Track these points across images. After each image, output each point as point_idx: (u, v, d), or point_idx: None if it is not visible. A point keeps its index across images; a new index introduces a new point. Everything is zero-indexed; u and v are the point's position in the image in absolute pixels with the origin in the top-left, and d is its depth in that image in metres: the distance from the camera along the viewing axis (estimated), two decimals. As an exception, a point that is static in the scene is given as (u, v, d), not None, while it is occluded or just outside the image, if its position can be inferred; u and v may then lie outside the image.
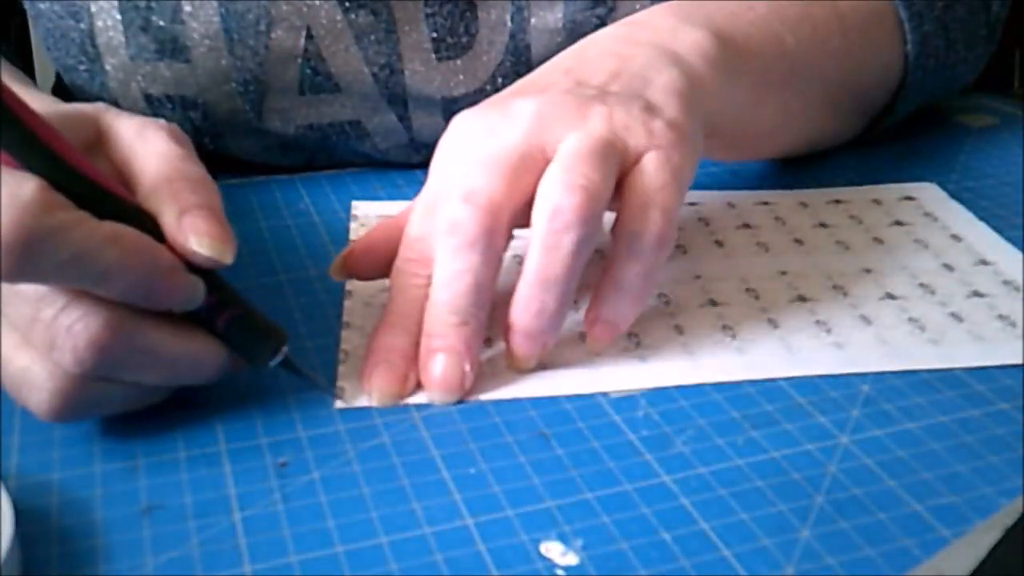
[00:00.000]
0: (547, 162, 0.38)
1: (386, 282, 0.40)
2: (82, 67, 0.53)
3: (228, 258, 0.34)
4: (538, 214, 0.37)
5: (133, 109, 0.52)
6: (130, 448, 0.35)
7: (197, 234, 0.34)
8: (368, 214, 0.51)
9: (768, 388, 0.39)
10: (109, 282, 0.32)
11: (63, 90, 0.57)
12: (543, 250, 0.37)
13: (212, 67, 0.51)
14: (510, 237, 0.39)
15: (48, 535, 0.32)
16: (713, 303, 0.44)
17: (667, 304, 0.44)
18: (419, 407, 0.37)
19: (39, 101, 0.36)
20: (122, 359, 0.34)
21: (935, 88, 0.59)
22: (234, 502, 0.33)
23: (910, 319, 0.42)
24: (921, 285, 0.45)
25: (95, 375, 0.33)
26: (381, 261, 0.41)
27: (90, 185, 0.33)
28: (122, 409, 0.36)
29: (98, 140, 0.37)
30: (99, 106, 0.38)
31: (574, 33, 0.52)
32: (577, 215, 0.36)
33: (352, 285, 0.44)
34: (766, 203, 0.52)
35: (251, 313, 0.37)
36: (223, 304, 0.35)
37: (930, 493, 0.33)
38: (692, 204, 0.51)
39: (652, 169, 0.39)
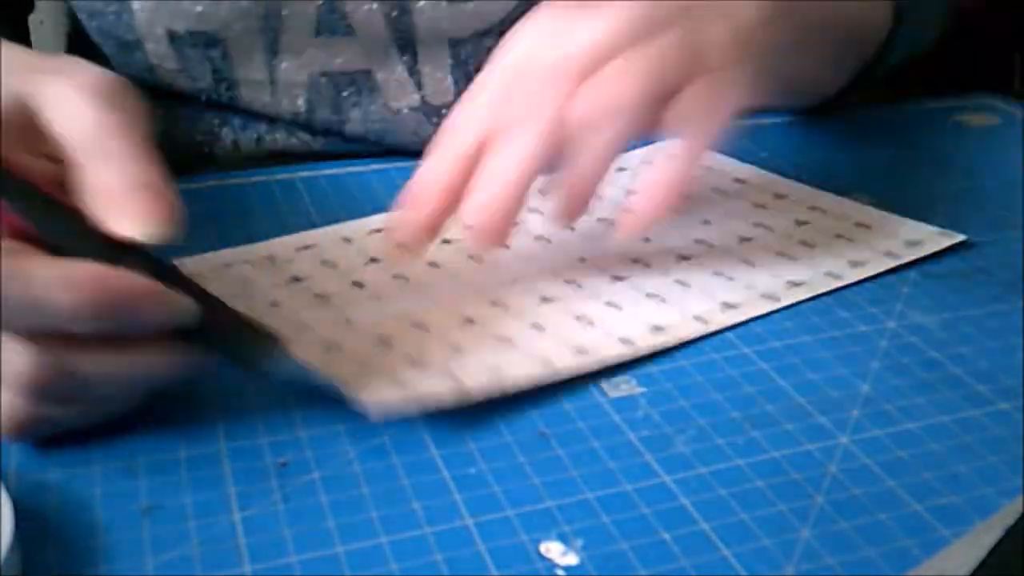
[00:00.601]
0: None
1: (294, 322, 0.41)
2: (110, 9, 0.55)
3: (168, 231, 0.32)
4: (598, 81, 0.39)
5: (159, 48, 0.55)
6: (130, 448, 0.35)
7: (126, 220, 0.32)
8: (202, 271, 0.45)
9: (768, 388, 0.39)
10: (73, 324, 0.31)
11: (81, 47, 0.59)
12: (591, 146, 0.40)
13: (235, 2, 0.53)
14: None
15: (48, 535, 0.32)
16: (618, 278, 0.45)
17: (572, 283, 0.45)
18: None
19: None
20: (66, 386, 0.32)
21: (914, 44, 0.60)
22: (234, 502, 0.33)
23: (776, 253, 0.47)
24: (756, 224, 0.50)
25: (52, 398, 0.33)
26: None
27: (45, 200, 0.32)
28: (86, 423, 0.35)
29: (28, 123, 0.34)
30: (24, 84, 0.34)
31: None
32: (633, 100, 0.39)
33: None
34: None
35: (241, 320, 0.36)
36: (211, 315, 0.34)
37: (930, 493, 0.33)
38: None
39: (712, 80, 0.41)
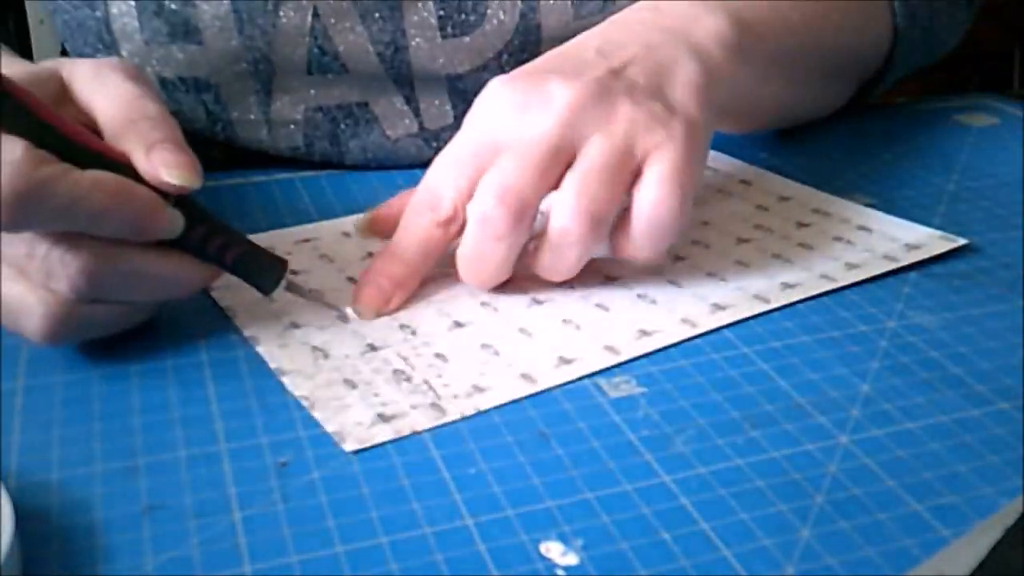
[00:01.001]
0: (574, 156, 0.42)
1: (286, 321, 0.42)
2: (99, 55, 0.54)
3: (196, 183, 0.38)
4: (551, 223, 0.41)
5: None
6: (130, 448, 0.35)
7: (167, 166, 0.37)
8: None
9: (768, 388, 0.39)
10: (98, 223, 0.36)
11: None
12: (551, 258, 0.42)
13: (223, 48, 0.53)
14: (534, 218, 0.42)
15: (48, 535, 0.32)
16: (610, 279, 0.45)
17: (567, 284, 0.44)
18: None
19: (8, 63, 0.39)
20: (110, 281, 0.37)
21: (920, 56, 0.61)
22: (234, 502, 0.33)
23: (773, 255, 0.47)
24: (756, 227, 0.50)
25: (87, 298, 0.37)
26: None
27: (68, 140, 0.36)
28: (109, 331, 0.39)
29: (63, 91, 0.39)
30: (60, 60, 0.40)
31: (583, 11, 0.54)
32: (579, 239, 0.41)
33: (251, 331, 0.41)
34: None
35: (254, 248, 0.41)
36: (228, 244, 0.40)
37: (930, 493, 0.33)
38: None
39: (669, 166, 0.42)
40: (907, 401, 0.38)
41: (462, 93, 0.55)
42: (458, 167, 0.43)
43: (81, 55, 0.55)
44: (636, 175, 0.42)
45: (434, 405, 0.37)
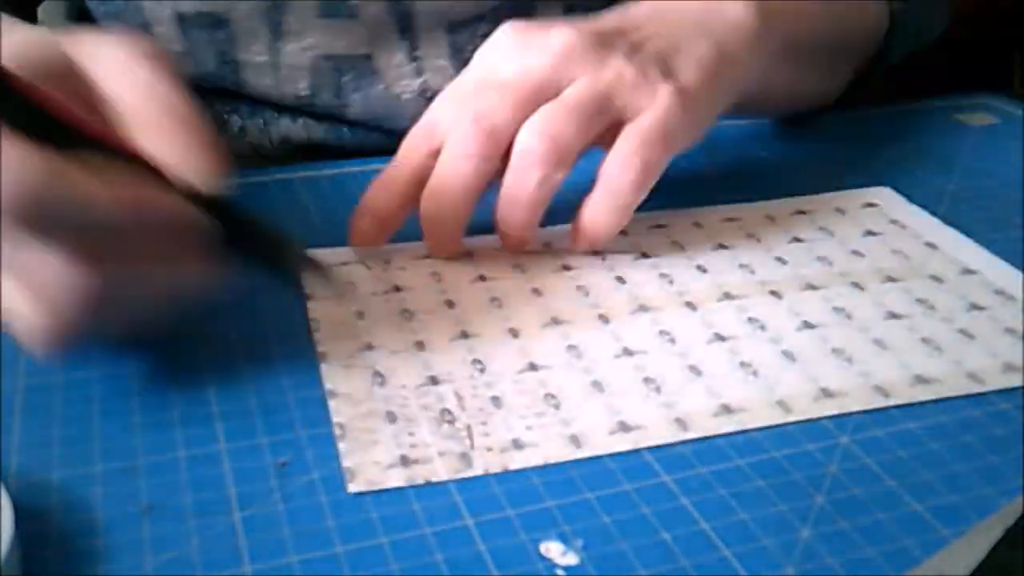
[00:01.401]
0: (557, 95, 0.43)
1: (364, 341, 0.41)
2: None
3: (227, 186, 0.36)
4: (515, 147, 0.43)
5: (167, 31, 0.56)
6: (130, 448, 0.35)
7: (200, 172, 0.35)
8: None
9: (768, 388, 0.39)
10: (111, 231, 0.32)
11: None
12: (512, 178, 0.43)
13: None
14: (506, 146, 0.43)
15: (48, 535, 0.32)
16: (720, 337, 0.41)
17: (666, 336, 0.41)
18: (419, 407, 0.37)
19: (8, 30, 0.36)
20: (114, 290, 0.33)
21: (913, 40, 0.62)
22: (234, 502, 0.33)
23: (922, 339, 0.41)
24: (919, 301, 0.43)
25: (91, 306, 0.33)
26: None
27: (92, 140, 0.33)
28: (108, 341, 0.39)
29: (69, 66, 0.36)
30: (73, 36, 0.38)
31: None
32: (539, 159, 0.42)
33: (325, 347, 0.40)
34: (732, 219, 0.50)
35: (268, 238, 0.39)
36: (242, 236, 0.38)
37: (930, 493, 0.33)
38: (660, 226, 0.49)
39: (645, 125, 0.43)
40: (907, 401, 0.38)
41: (460, 52, 0.57)
42: (455, 101, 0.45)
43: None
44: (614, 130, 0.44)
45: (463, 455, 0.35)
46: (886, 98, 0.66)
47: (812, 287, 0.44)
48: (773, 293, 0.44)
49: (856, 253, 0.47)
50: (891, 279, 0.45)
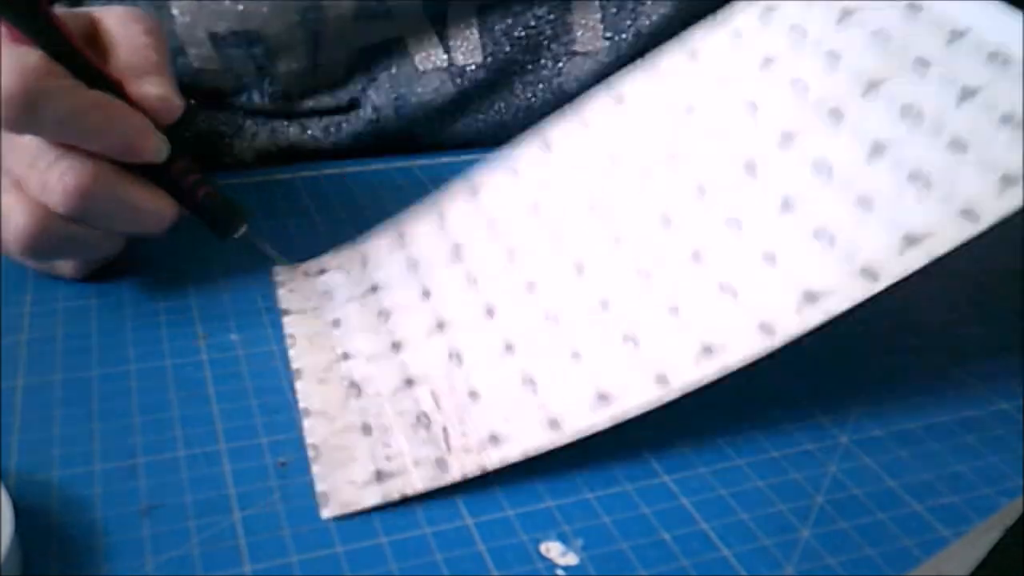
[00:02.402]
0: None
1: (339, 351, 0.40)
2: (153, 10, 0.55)
3: (178, 109, 0.41)
4: None
5: (200, 50, 0.57)
6: (130, 448, 0.35)
7: (153, 87, 0.41)
8: (292, 277, 0.45)
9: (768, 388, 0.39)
10: (94, 138, 0.39)
11: None
12: None
13: (276, 0, 0.55)
14: None
15: (48, 535, 0.32)
16: (696, 258, 0.37)
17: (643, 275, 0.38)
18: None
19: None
20: (98, 204, 0.39)
21: None
22: (234, 502, 0.33)
23: (909, 176, 0.34)
24: (904, 111, 0.35)
25: (74, 216, 0.39)
26: None
27: (82, 60, 0.39)
28: (76, 256, 0.42)
29: (93, 30, 0.43)
30: (96, 7, 0.44)
31: None
32: None
33: (299, 363, 0.39)
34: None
35: (223, 195, 0.44)
36: (201, 182, 0.43)
37: (930, 493, 0.33)
38: None
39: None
40: (907, 401, 0.38)
41: (490, 31, 0.57)
42: None
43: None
44: None
45: (439, 461, 0.34)
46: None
47: (788, 137, 0.37)
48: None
49: (832, 55, 0.38)
50: (872, 84, 0.36)
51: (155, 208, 0.42)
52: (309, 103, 0.59)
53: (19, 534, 0.30)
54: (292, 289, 0.44)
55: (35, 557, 0.31)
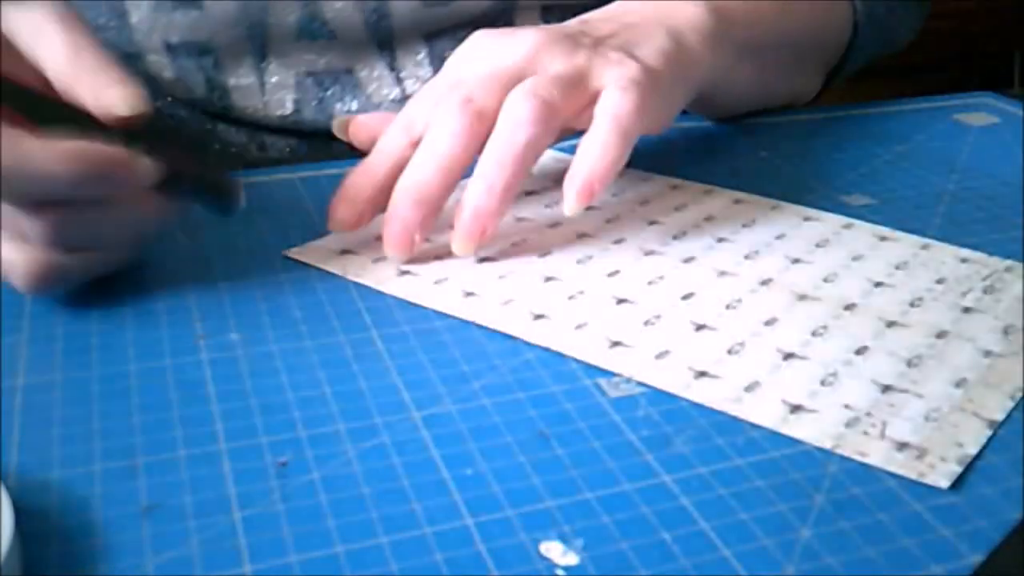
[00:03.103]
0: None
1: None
2: (112, 24, 0.59)
3: (143, 107, 0.40)
4: (503, 111, 0.45)
5: (158, 59, 0.60)
6: (130, 448, 0.35)
7: (116, 102, 0.39)
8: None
9: (768, 388, 0.39)
10: (75, 190, 0.38)
11: None
12: (499, 140, 0.44)
13: (221, 12, 0.57)
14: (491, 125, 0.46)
15: (48, 535, 0.32)
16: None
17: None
18: (420, 407, 0.37)
19: None
20: (78, 231, 0.40)
21: (877, 47, 0.66)
22: (234, 502, 0.33)
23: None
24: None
25: (62, 248, 0.40)
26: (375, 136, 0.49)
27: (29, 94, 0.39)
28: (93, 275, 0.42)
29: (6, 40, 0.41)
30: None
31: None
32: (530, 116, 0.44)
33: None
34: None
35: (207, 174, 0.43)
36: (191, 171, 0.42)
37: (930, 493, 0.33)
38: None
39: (617, 97, 0.46)
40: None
41: (440, 58, 0.59)
42: (432, 99, 0.47)
43: (97, 26, 0.59)
44: (588, 112, 0.46)
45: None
46: (886, 98, 0.66)
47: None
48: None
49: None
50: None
51: (140, 217, 0.41)
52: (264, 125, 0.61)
53: (19, 534, 0.30)
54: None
55: (35, 557, 0.31)
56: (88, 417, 0.37)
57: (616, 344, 0.41)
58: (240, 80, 0.59)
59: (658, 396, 0.38)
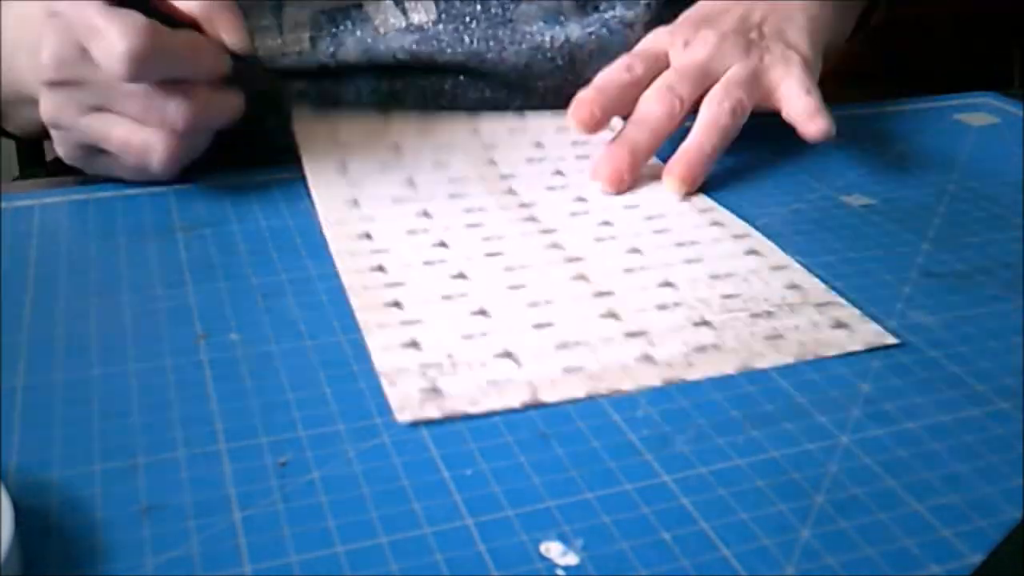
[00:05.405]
0: (715, 81, 0.55)
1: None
2: None
3: (245, 42, 0.52)
4: (723, 78, 0.55)
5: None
6: (130, 448, 0.35)
7: (226, 32, 0.52)
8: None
9: (768, 388, 0.39)
10: (189, 69, 0.49)
11: None
12: (712, 103, 0.54)
13: None
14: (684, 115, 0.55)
15: (48, 535, 0.32)
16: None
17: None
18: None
19: None
20: (205, 117, 0.50)
21: None
22: (234, 502, 0.33)
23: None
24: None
25: (192, 132, 0.50)
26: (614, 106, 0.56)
27: (166, 14, 0.50)
28: (192, 160, 0.53)
29: None
30: None
31: None
32: (741, 84, 0.55)
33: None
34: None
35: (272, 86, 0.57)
36: (253, 82, 0.54)
37: (930, 493, 0.33)
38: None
39: (794, 83, 0.55)
40: (907, 401, 0.38)
41: None
42: (677, 32, 0.58)
43: None
44: (769, 92, 0.55)
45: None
46: (886, 98, 0.66)
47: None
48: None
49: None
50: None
51: (234, 106, 0.52)
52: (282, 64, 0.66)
53: (19, 534, 0.30)
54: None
55: (35, 557, 0.31)
56: (88, 417, 0.37)
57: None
58: (259, 22, 0.64)
59: (658, 396, 0.38)
